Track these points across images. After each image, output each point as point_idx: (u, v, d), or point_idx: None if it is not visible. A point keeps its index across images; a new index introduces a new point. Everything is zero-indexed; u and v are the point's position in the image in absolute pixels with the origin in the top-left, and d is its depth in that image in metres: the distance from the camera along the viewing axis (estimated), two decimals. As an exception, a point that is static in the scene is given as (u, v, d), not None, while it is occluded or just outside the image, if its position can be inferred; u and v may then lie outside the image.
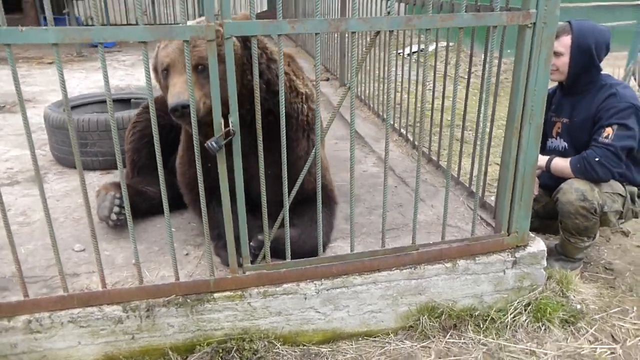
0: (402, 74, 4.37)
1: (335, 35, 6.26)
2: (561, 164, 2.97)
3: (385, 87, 4.49)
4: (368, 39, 5.35)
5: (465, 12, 2.12)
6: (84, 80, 7.06)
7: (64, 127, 3.73)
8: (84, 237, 2.82)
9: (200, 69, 2.21)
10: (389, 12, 2.07)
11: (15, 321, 2.16)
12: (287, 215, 2.27)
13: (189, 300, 2.29)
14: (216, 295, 2.31)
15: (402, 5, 3.90)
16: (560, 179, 2.96)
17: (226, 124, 2.06)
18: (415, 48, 6.67)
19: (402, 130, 4.29)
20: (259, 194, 2.24)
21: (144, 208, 2.94)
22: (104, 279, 2.24)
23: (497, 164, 4.24)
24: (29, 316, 2.17)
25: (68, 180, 3.63)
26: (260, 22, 1.98)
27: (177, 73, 2.22)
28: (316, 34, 2.05)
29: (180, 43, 2.16)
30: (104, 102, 4.34)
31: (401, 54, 4.28)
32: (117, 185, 2.95)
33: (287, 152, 2.21)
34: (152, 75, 2.33)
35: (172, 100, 2.14)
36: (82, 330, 2.24)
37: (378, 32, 2.13)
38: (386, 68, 3.15)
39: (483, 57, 2.52)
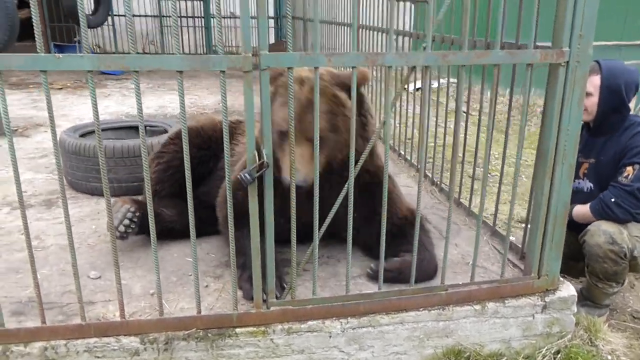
0: (411, 109, 4.41)
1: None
2: (582, 210, 2.95)
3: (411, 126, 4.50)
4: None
5: (501, 49, 2.12)
6: (96, 107, 7.08)
7: (79, 153, 3.71)
8: (99, 263, 2.76)
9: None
10: (424, 48, 2.07)
11: (31, 347, 2.08)
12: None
13: (209, 335, 2.21)
14: (238, 330, 2.23)
15: (407, 39, 3.95)
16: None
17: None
18: (419, 84, 6.74)
19: (418, 166, 4.26)
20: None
21: (157, 229, 2.87)
22: (123, 309, 2.17)
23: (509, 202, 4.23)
24: (45, 343, 2.09)
25: (81, 206, 3.58)
26: (297, 54, 1.98)
27: (298, 144, 2.17)
28: (353, 67, 2.04)
29: (302, 110, 2.19)
30: (118, 128, 4.36)
31: (406, 89, 4.33)
32: (134, 201, 2.91)
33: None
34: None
35: (299, 177, 2.17)
36: (97, 362, 2.15)
37: (414, 67, 2.13)
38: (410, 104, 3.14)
39: (490, 94, 2.50)
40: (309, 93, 2.21)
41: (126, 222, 2.71)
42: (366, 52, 2.01)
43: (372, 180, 2.55)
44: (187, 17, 12.77)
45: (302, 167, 2.19)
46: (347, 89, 2.23)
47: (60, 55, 1.86)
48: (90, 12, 10.06)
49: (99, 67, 1.87)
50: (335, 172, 2.43)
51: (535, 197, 2.41)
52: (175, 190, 3.06)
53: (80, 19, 1.84)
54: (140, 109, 1.98)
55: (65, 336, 2.13)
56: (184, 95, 1.98)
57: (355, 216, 2.28)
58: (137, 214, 2.76)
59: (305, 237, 2.35)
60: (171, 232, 2.98)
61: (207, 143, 3.18)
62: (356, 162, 2.20)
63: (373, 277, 2.51)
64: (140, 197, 3.31)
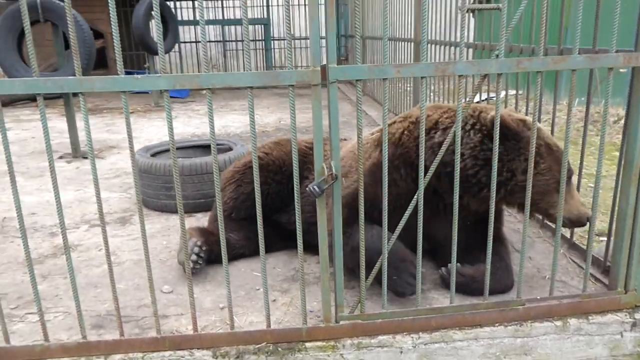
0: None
1: (407, 82, 6.29)
2: None
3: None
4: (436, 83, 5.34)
5: (579, 53, 2.02)
6: (162, 128, 7.42)
7: (149, 172, 3.87)
8: (170, 278, 2.84)
9: None
10: (497, 55, 2.01)
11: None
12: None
13: (279, 349, 2.21)
14: (308, 344, 2.21)
15: (470, 50, 3.86)
16: None
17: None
18: (484, 96, 6.58)
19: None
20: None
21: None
22: (196, 322, 2.21)
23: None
24: (123, 355, 2.16)
25: (152, 222, 3.72)
26: (365, 66, 1.97)
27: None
28: (421, 78, 2.01)
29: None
30: (185, 148, 4.52)
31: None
32: (199, 231, 2.97)
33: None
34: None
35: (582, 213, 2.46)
36: (172, 374, 2.19)
37: (486, 76, 2.07)
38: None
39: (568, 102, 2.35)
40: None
41: (194, 257, 2.75)
42: (436, 62, 1.97)
43: None
44: (248, 40, 13.19)
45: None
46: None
47: (140, 76, 1.95)
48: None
49: (175, 86, 1.95)
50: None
51: (620, 208, 2.27)
52: (248, 214, 3.10)
53: (159, 45, 1.92)
54: (212, 126, 2.04)
55: (142, 349, 2.19)
56: (254, 111, 2.03)
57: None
58: (204, 248, 2.81)
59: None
60: (240, 257, 3.04)
61: (284, 167, 3.16)
62: None
63: (445, 281, 2.47)
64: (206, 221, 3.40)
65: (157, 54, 2.01)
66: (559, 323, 2.28)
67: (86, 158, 5.77)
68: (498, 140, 2.10)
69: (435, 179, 2.41)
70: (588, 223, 2.40)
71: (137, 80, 1.92)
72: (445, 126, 2.46)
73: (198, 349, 2.22)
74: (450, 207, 2.19)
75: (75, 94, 3.72)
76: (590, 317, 2.30)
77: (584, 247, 2.64)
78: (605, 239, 2.68)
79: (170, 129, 2.03)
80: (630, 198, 2.19)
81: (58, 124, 7.49)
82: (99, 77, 1.92)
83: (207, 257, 2.85)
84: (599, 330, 2.31)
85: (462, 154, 2.34)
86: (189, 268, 2.19)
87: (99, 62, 12.61)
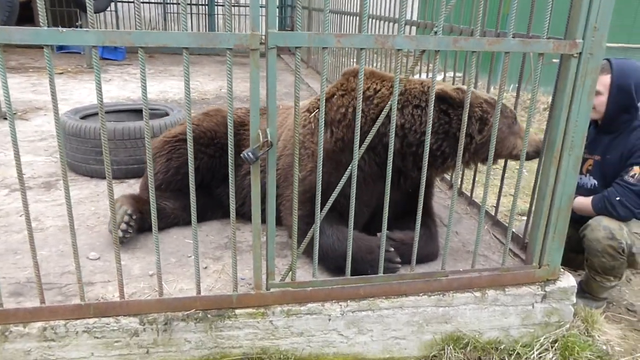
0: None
1: (351, 56, 6.30)
2: (583, 202, 2.92)
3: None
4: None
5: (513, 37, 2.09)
6: (94, 91, 6.97)
7: (78, 135, 3.69)
8: (98, 245, 2.75)
9: None
10: (435, 32, 2.04)
11: (30, 328, 2.06)
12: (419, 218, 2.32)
13: (209, 316, 2.20)
14: (238, 311, 2.22)
15: (414, 28, 3.94)
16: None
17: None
18: (423, 76, 6.72)
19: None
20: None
21: (160, 225, 2.85)
22: (122, 289, 2.15)
23: (511, 195, 4.22)
24: (44, 323, 2.08)
25: (80, 188, 3.56)
26: (306, 33, 1.95)
27: None
28: (361, 49, 2.02)
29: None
30: (117, 111, 4.33)
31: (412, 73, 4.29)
32: (131, 199, 2.87)
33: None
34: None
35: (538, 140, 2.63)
36: (96, 341, 2.14)
37: (424, 51, 2.11)
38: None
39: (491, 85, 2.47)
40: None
41: (123, 226, 2.65)
42: (376, 34, 1.98)
43: None
44: (191, 4, 12.71)
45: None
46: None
47: (64, 29, 1.83)
48: (92, -3, 9.98)
49: (104, 42, 1.84)
50: None
51: (540, 187, 2.40)
52: (178, 187, 3.02)
53: (87, 4, 1.80)
54: (144, 87, 1.96)
55: (65, 316, 2.12)
56: (189, 73, 1.96)
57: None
58: (134, 216, 2.71)
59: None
60: (175, 226, 2.97)
61: (216, 139, 3.09)
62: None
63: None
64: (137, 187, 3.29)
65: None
66: (478, 294, 2.41)
67: (7, 119, 5.40)
68: (448, 111, 2.34)
69: (399, 160, 2.52)
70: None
71: (62, 33, 1.79)
72: (402, 105, 2.50)
73: (125, 315, 2.17)
74: (407, 180, 2.35)
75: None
76: (506, 289, 2.45)
77: (506, 224, 2.79)
78: (526, 217, 2.84)
79: (99, 89, 1.93)
80: (549, 179, 2.32)
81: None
82: (17, 27, 1.78)
83: (139, 225, 2.77)
84: (513, 302, 2.46)
85: (424, 132, 2.37)
86: (116, 234, 2.12)
87: (25, 17, 11.78)
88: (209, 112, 3.25)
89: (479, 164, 2.77)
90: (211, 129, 3.07)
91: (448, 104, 2.45)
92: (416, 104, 2.49)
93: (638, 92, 2.84)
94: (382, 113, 2.19)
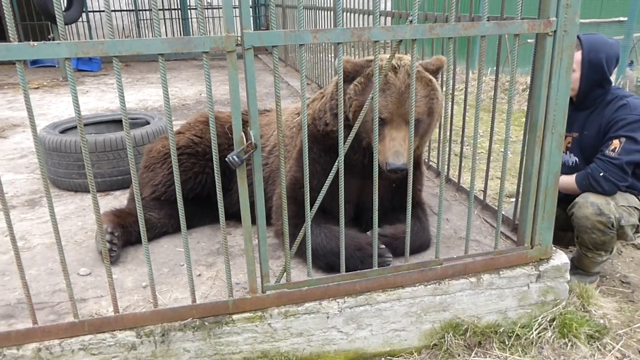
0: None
1: (329, 52, 6.29)
2: (567, 180, 2.94)
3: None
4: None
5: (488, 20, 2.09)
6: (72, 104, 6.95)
7: (59, 150, 3.63)
8: (87, 260, 2.71)
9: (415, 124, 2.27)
10: (411, 21, 2.04)
11: (24, 349, 2.03)
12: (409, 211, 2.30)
13: (206, 323, 2.18)
14: (235, 317, 2.20)
15: (389, 19, 3.93)
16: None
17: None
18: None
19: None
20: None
21: (148, 236, 2.82)
22: (116, 303, 2.12)
23: (498, 178, 4.25)
24: (38, 344, 2.04)
25: (65, 204, 3.51)
26: (281, 31, 1.93)
27: (395, 128, 2.28)
28: (338, 43, 2.00)
29: (400, 96, 2.24)
30: (99, 123, 4.27)
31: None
32: (112, 215, 2.83)
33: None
34: (327, 105, 2.42)
35: (392, 160, 2.24)
36: (93, 358, 2.11)
37: (400, 41, 2.10)
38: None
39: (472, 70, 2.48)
40: (406, 78, 2.28)
41: (107, 245, 2.61)
42: (352, 28, 1.97)
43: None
44: (163, 9, 12.58)
45: (404, 150, 2.23)
46: (434, 75, 2.40)
47: (35, 43, 1.79)
48: (64, 9, 9.84)
49: (77, 54, 1.80)
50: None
51: (526, 168, 2.41)
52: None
53: (57, 14, 1.76)
54: (122, 97, 1.92)
55: (59, 335, 2.08)
56: (166, 80, 1.93)
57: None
58: (116, 232, 2.67)
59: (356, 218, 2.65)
60: (164, 235, 2.94)
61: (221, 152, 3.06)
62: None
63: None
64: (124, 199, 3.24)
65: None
66: (473, 279, 2.42)
67: (-14, 137, 5.31)
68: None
69: (351, 151, 2.49)
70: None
71: (33, 47, 1.75)
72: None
73: (120, 330, 2.14)
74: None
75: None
76: (501, 272, 2.46)
77: (496, 207, 2.80)
78: (514, 199, 2.85)
79: (76, 101, 1.89)
80: (535, 159, 2.33)
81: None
82: (-13, 44, 1.74)
83: (124, 239, 2.74)
84: (508, 284, 2.48)
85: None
86: (105, 248, 2.08)
87: (-3, 33, 11.58)
88: (207, 119, 3.19)
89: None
90: (217, 142, 3.02)
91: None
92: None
93: (609, 65, 2.87)
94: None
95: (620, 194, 2.86)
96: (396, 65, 2.33)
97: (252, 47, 1.93)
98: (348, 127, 2.41)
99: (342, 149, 2.10)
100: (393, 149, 2.25)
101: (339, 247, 2.27)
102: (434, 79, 2.39)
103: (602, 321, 2.65)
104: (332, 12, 6.21)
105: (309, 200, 2.13)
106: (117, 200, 3.51)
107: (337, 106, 2.08)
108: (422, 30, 2.02)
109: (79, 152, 3.57)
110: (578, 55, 2.87)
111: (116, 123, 4.28)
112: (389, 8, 6.65)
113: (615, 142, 2.80)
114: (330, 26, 6.22)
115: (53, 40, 9.28)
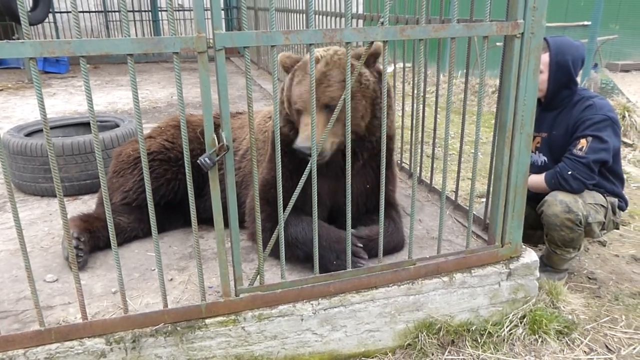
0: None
1: (302, 54, 6.29)
2: (537, 179, 3.01)
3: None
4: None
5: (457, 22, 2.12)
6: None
7: (24, 153, 3.53)
8: (54, 266, 2.63)
9: (330, 109, 2.25)
10: (382, 23, 2.05)
11: (-14, 361, 1.95)
12: (382, 212, 2.31)
13: (178, 328, 2.14)
14: (208, 321, 2.17)
15: (360, 22, 3.97)
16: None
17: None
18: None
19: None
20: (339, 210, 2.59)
21: (118, 241, 2.76)
22: (85, 310, 2.07)
23: (469, 179, 4.32)
24: (1, 354, 1.96)
25: (31, 209, 3.41)
26: (253, 32, 1.92)
27: (308, 114, 2.24)
28: (310, 44, 2.00)
29: (315, 84, 2.16)
30: (64, 126, 4.17)
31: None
32: (78, 220, 2.77)
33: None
34: (280, 105, 2.35)
35: (299, 142, 2.25)
36: (60, 368, 2.04)
37: (372, 43, 2.11)
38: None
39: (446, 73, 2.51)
40: (323, 67, 2.31)
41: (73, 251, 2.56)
42: (324, 29, 1.97)
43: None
44: (134, 11, 12.38)
45: (312, 134, 2.15)
46: (366, 63, 2.33)
47: (-1, 42, 1.73)
48: (29, 9, 9.59)
49: (42, 53, 1.75)
50: (357, 149, 2.48)
51: (496, 168, 2.45)
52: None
53: (21, 14, 1.71)
54: (90, 98, 1.88)
55: (23, 344, 2.01)
56: (136, 81, 1.89)
57: (368, 188, 2.60)
58: (82, 238, 2.61)
59: (331, 221, 2.59)
60: (134, 240, 2.88)
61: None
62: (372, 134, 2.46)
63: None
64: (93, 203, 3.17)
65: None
66: (446, 279, 2.44)
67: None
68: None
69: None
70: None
71: (-4, 46, 1.70)
72: None
73: (89, 337, 2.08)
74: (358, 169, 2.39)
75: None
76: (473, 271, 2.49)
77: (467, 207, 2.84)
78: (485, 199, 2.89)
79: (41, 103, 1.83)
80: (504, 159, 2.38)
81: None
82: (-53, 42, 1.68)
83: (92, 244, 2.68)
84: (480, 282, 2.51)
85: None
86: (73, 254, 2.03)
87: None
88: (178, 124, 3.14)
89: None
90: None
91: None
92: None
93: (575, 67, 2.95)
94: None
95: (587, 192, 2.93)
96: (319, 56, 2.37)
97: (224, 48, 1.91)
98: (291, 122, 2.48)
99: (278, 145, 2.10)
100: (303, 134, 2.27)
101: (324, 236, 2.29)
102: (357, 64, 2.26)
103: (570, 317, 2.71)
104: (304, 15, 6.20)
105: (281, 201, 2.12)
106: (85, 204, 3.43)
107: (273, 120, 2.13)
108: (394, 31, 2.03)
109: (45, 155, 3.47)
110: (546, 57, 2.93)
111: (84, 126, 4.19)
112: (360, 11, 6.67)
113: (583, 142, 2.87)
114: (303, 28, 6.23)
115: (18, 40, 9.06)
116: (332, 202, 2.65)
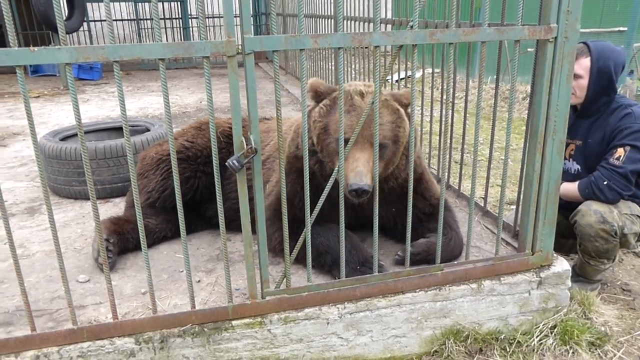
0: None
1: (329, 60, 6.31)
2: (569, 187, 2.93)
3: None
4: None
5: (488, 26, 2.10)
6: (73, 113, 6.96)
7: (59, 157, 3.63)
8: (86, 267, 2.70)
9: (372, 146, 2.22)
10: (411, 27, 2.04)
11: (22, 357, 2.01)
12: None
13: (205, 330, 2.17)
14: (235, 322, 2.19)
15: (389, 27, 3.96)
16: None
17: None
18: (402, 74, 6.75)
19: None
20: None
21: (147, 242, 2.82)
22: (115, 310, 2.11)
23: (498, 186, 4.25)
24: (36, 352, 2.02)
25: (65, 211, 3.51)
26: (282, 36, 1.94)
27: (358, 149, 2.22)
28: (339, 48, 2.01)
29: (365, 117, 2.18)
30: (97, 131, 4.28)
31: (389, 81, 4.30)
32: (107, 222, 2.82)
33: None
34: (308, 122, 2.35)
35: (354, 181, 2.16)
36: (91, 365, 2.09)
37: (401, 47, 2.11)
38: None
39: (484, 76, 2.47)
40: (371, 103, 2.22)
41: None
42: (352, 32, 1.97)
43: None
44: (164, 18, 12.65)
45: (368, 171, 2.18)
46: (398, 102, 2.40)
47: (36, 48, 1.79)
48: (65, 18, 9.90)
49: (78, 59, 1.80)
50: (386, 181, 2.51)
51: (527, 174, 2.41)
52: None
53: (58, 23, 1.77)
54: (122, 103, 1.92)
55: (57, 342, 2.06)
56: (167, 84, 1.93)
57: (394, 211, 2.58)
58: (111, 239, 2.67)
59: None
60: (162, 241, 2.93)
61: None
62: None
63: (400, 262, 2.49)
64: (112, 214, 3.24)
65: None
66: (474, 285, 2.41)
67: (-13, 145, 5.31)
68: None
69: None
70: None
71: (33, 53, 1.75)
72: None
73: (119, 336, 2.12)
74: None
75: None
76: (502, 278, 2.45)
77: (496, 214, 2.79)
78: (515, 206, 2.84)
79: (76, 108, 1.88)
80: (535, 165, 2.33)
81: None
82: (-13, 49, 1.74)
83: (121, 246, 2.74)
84: (509, 290, 2.46)
85: None
86: (104, 254, 2.08)
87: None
88: (201, 125, 3.20)
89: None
90: (207, 146, 3.01)
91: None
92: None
93: (617, 73, 2.86)
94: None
95: (623, 202, 2.84)
96: (363, 92, 2.35)
97: (253, 52, 1.93)
98: (314, 152, 2.42)
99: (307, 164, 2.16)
100: (356, 169, 2.17)
101: (349, 244, 2.31)
102: (402, 110, 2.38)
103: (603, 328, 2.63)
104: (332, 20, 6.23)
105: (309, 204, 2.13)
106: (117, 207, 3.51)
107: (302, 128, 2.08)
108: (423, 35, 2.02)
109: (79, 159, 3.57)
110: (587, 62, 2.85)
111: (116, 130, 4.29)
112: (389, 16, 6.67)
113: (620, 151, 2.78)
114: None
115: (54, 48, 9.36)
116: (357, 223, 2.64)
